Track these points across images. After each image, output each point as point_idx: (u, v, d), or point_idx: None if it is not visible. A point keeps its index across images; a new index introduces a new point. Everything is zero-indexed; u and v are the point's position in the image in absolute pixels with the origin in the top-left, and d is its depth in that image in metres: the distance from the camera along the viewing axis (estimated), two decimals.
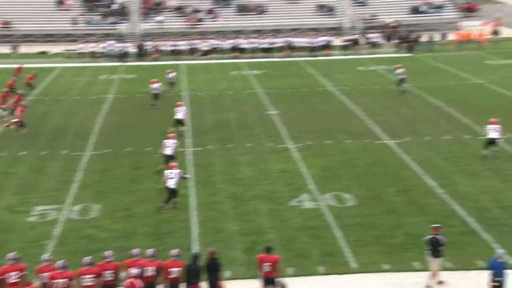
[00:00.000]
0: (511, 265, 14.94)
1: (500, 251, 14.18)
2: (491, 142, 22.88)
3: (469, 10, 61.24)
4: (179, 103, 28.31)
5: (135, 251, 14.03)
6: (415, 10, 56.25)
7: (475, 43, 47.36)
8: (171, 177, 19.43)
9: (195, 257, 14.15)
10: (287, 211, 19.37)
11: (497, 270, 13.77)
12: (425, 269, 15.41)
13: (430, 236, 14.98)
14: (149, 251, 14.05)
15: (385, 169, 22.55)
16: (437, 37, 48.73)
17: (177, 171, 19.62)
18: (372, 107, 31.18)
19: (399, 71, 33.49)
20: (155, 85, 32.47)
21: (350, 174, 22.24)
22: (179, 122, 27.36)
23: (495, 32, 49.15)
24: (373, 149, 24.77)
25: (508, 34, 51.40)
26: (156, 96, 32.39)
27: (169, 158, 22.06)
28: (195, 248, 16.78)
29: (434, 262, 14.89)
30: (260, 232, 17.97)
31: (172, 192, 19.47)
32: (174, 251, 14.10)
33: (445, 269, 15.11)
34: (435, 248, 14.83)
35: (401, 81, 33.34)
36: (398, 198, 19.99)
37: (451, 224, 17.81)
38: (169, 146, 22.47)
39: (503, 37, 49.68)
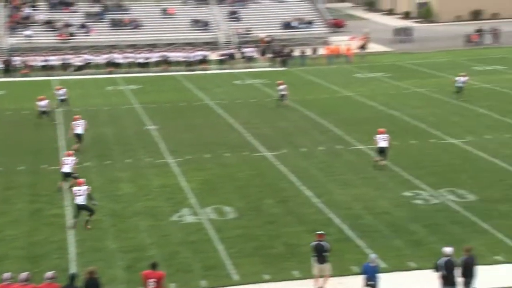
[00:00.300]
0: (383, 269, 15.73)
1: (372, 256, 14.91)
2: (381, 151, 23.97)
3: (337, 26, 64.06)
4: (76, 116, 27.40)
5: (6, 275, 13.45)
6: (287, 26, 58.03)
7: (343, 57, 49.55)
8: (80, 194, 19.02)
9: (72, 277, 13.77)
10: (168, 226, 19.27)
11: (370, 274, 14.46)
12: (304, 277, 15.89)
13: (315, 243, 15.49)
14: (22, 275, 13.49)
15: (264, 181, 23.02)
16: (308, 51, 50.50)
17: (85, 187, 19.19)
18: (249, 120, 31.76)
19: (281, 87, 34.33)
20: (43, 102, 31.13)
21: (230, 187, 22.49)
22: (79, 137, 26.52)
23: (362, 47, 51.68)
24: (252, 162, 25.21)
25: (373, 49, 54.27)
26: (44, 113, 31.03)
27: (68, 175, 21.73)
28: (73, 268, 16.27)
29: (320, 268, 15.40)
30: (141, 248, 17.74)
31: (82, 209, 19.04)
32: (49, 273, 13.63)
33: (324, 275, 15.61)
34: (320, 254, 15.35)
35: (283, 96, 34.22)
36: (277, 209, 20.46)
37: (327, 232, 18.33)
38: (68, 163, 21.96)
39: (369, 52, 52.36)
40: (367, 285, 14.40)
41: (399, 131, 28.49)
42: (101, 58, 48.24)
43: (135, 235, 18.62)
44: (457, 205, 20.18)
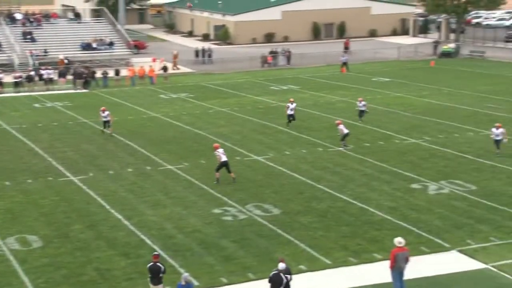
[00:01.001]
0: (196, 287, 15.99)
1: (184, 275, 15.12)
2: (224, 165, 24.36)
3: (138, 47, 63.98)
4: None
5: None
6: (87, 47, 56.75)
7: (147, 78, 49.59)
8: None
9: None
10: None
11: None
12: None
13: (150, 264, 15.43)
14: None
15: (71, 206, 22.26)
16: (111, 73, 49.77)
17: None
18: (52, 144, 30.53)
19: (105, 113, 32.90)
20: None
21: (35, 215, 21.45)
22: None
23: (165, 68, 52.07)
24: (58, 187, 24.25)
25: (176, 70, 54.97)
26: None
27: None
28: None
29: None
30: None
31: None
32: None
33: None
34: (156, 275, 15.31)
35: (105, 123, 32.91)
36: (86, 234, 19.89)
37: (139, 254, 18.38)
38: None
39: (172, 73, 52.96)
40: None
41: (205, 149, 29.14)
42: None
43: None
44: (263, 219, 21.13)
